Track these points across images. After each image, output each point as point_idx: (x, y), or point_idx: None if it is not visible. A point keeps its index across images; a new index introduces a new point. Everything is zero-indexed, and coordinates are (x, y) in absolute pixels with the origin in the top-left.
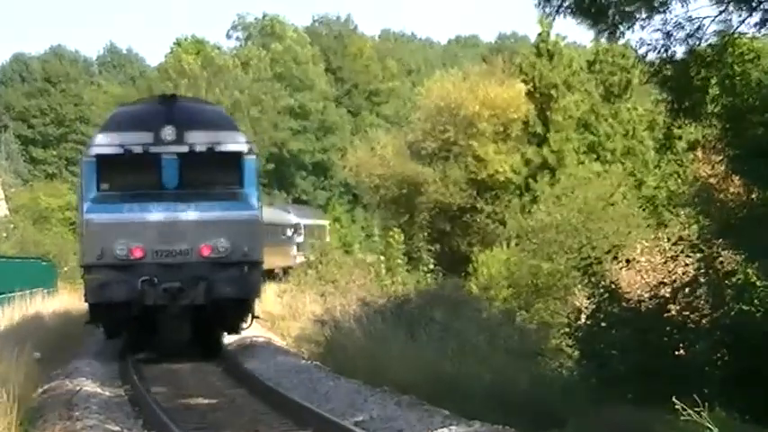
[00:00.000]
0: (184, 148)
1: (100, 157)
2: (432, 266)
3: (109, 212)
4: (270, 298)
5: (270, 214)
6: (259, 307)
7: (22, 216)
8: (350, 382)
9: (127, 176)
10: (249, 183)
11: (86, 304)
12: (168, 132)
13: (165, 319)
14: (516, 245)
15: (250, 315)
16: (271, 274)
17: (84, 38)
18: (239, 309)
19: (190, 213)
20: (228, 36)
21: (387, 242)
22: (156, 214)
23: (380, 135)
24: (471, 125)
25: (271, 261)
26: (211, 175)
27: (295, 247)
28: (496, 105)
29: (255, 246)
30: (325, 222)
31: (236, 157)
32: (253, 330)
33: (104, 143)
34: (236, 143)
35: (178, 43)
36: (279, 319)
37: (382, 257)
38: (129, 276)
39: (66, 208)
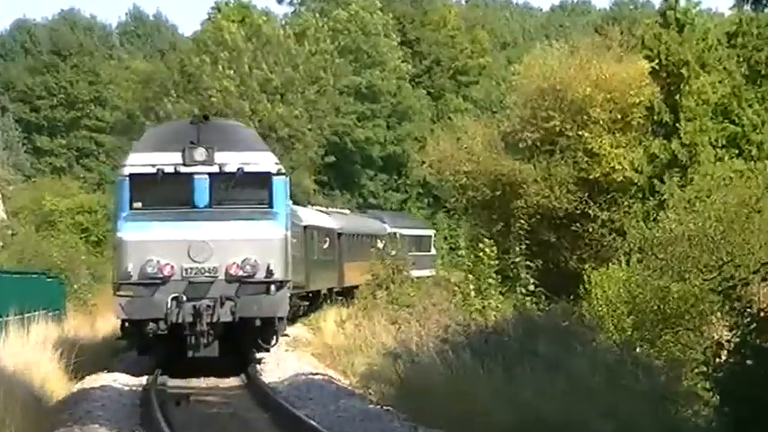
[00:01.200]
0: (215, 169)
1: (133, 176)
2: (532, 287)
3: (140, 230)
4: (329, 326)
5: (357, 223)
6: (292, 327)
7: (23, 220)
8: None
9: (158, 195)
10: (278, 203)
11: (117, 320)
12: (199, 153)
13: (193, 336)
14: (639, 261)
15: (276, 333)
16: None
17: (102, 1)
18: (265, 327)
19: (219, 232)
20: (280, 1)
21: (476, 256)
22: (186, 233)
23: (468, 123)
24: (581, 111)
25: (354, 277)
26: (241, 194)
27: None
28: (613, 87)
29: (282, 265)
30: (431, 232)
31: (266, 177)
32: (307, 365)
33: (137, 163)
34: (265, 164)
35: (218, 8)
36: (340, 351)
37: (470, 276)
38: (159, 294)
39: (78, 211)
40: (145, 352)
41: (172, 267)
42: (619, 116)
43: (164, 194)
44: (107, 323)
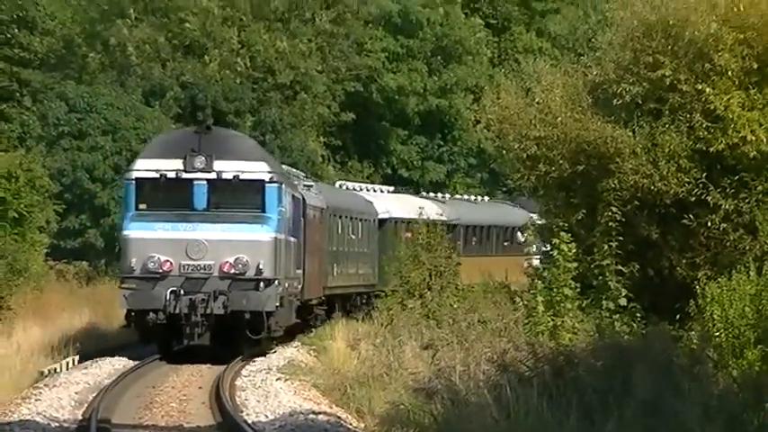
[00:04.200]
0: (213, 175)
1: (138, 180)
2: (624, 301)
3: (144, 230)
4: (337, 347)
5: (487, 211)
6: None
7: None
8: None
9: (161, 198)
10: (270, 208)
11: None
12: (199, 160)
13: (188, 326)
14: None
15: (266, 326)
16: None
17: None
18: (254, 320)
19: (215, 233)
20: None
21: (548, 256)
22: (185, 233)
23: (543, 69)
24: (703, 57)
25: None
26: (236, 199)
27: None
28: (749, 24)
29: (271, 264)
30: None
31: (259, 184)
32: (307, 401)
33: (143, 168)
34: (259, 172)
35: None
36: (353, 383)
37: (539, 282)
38: (159, 287)
39: (16, 193)
40: (146, 339)
41: (171, 264)
42: (755, 65)
43: (166, 198)
44: (31, 334)
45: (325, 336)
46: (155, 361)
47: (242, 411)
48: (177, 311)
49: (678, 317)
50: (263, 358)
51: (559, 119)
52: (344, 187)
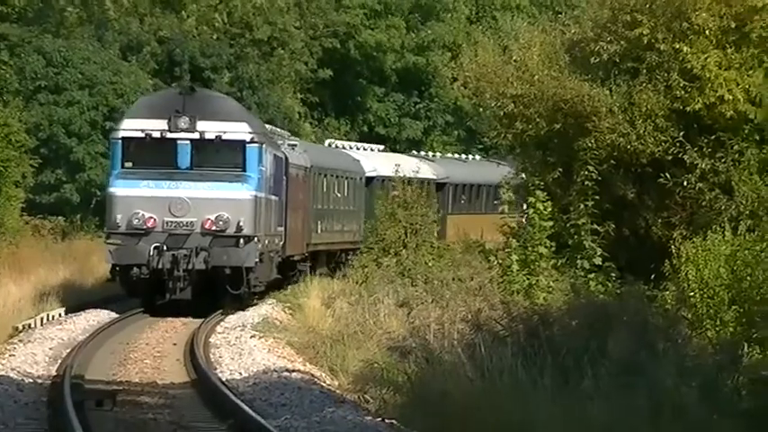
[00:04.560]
0: (196, 135)
1: (125, 139)
2: (599, 261)
3: (129, 187)
4: (312, 305)
5: (477, 170)
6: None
7: None
8: None
9: (146, 157)
10: (251, 167)
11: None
12: (183, 121)
13: (171, 281)
14: (750, 230)
15: (245, 281)
16: None
17: None
18: (235, 275)
19: (197, 191)
20: None
21: (524, 215)
22: (169, 191)
23: (520, 26)
24: (680, 16)
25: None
26: (218, 159)
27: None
28: None
29: (251, 222)
30: None
31: (240, 144)
32: (281, 358)
33: (129, 128)
34: (240, 132)
35: None
36: (327, 341)
37: (514, 241)
38: (143, 243)
39: None
40: (131, 293)
41: (155, 220)
42: (732, 24)
43: (151, 157)
44: (6, 290)
45: (300, 293)
46: (130, 317)
47: (216, 369)
48: (160, 267)
49: (653, 277)
50: (237, 315)
51: (537, 77)
52: (333, 146)
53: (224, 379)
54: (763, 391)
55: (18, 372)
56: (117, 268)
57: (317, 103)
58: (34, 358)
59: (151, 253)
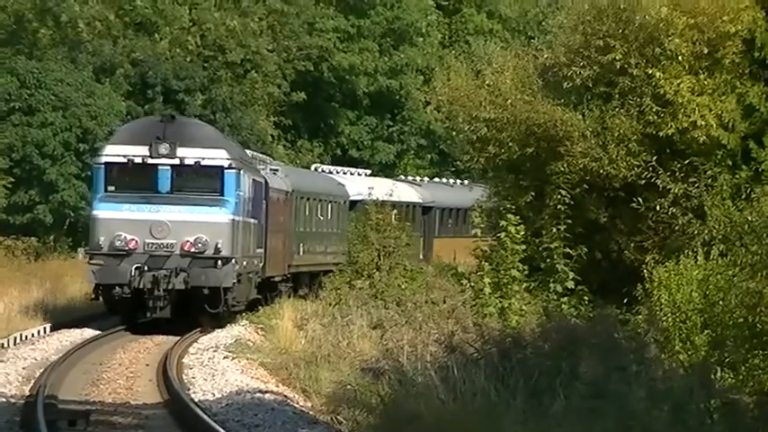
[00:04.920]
0: (176, 161)
1: (107, 164)
2: (572, 284)
3: (111, 210)
4: (284, 326)
5: (462, 194)
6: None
7: None
8: None
9: (128, 182)
10: (228, 192)
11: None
12: (164, 147)
13: (152, 300)
14: (722, 254)
15: (223, 300)
16: None
17: None
18: (213, 294)
19: (177, 214)
20: None
21: (495, 238)
22: (150, 214)
23: (493, 51)
24: (653, 42)
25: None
26: (197, 183)
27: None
28: (699, 9)
29: (229, 244)
30: None
31: (219, 170)
32: (254, 379)
33: (112, 153)
34: (219, 159)
35: None
36: (300, 362)
37: (486, 264)
38: (124, 263)
39: None
40: (113, 311)
41: (136, 242)
42: (705, 50)
43: (132, 181)
44: None
45: (272, 314)
46: (104, 337)
47: (189, 389)
48: (141, 286)
49: (626, 300)
50: (209, 336)
51: (509, 101)
52: (320, 170)
53: (197, 399)
54: (735, 415)
55: None
56: (100, 288)
57: (291, 126)
58: (7, 378)
59: (132, 273)
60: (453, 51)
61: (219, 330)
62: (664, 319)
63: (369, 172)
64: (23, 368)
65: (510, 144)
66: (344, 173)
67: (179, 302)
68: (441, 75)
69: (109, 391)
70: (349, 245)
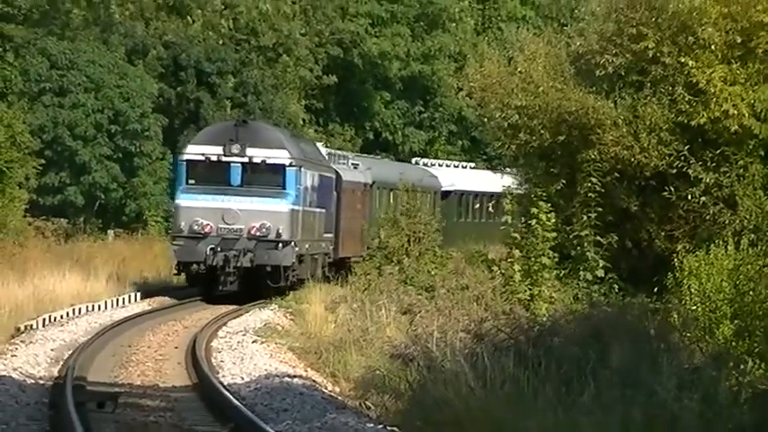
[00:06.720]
0: (245, 159)
1: (189, 161)
2: (602, 272)
3: (191, 200)
4: (315, 311)
5: None
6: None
7: None
8: None
9: (205, 176)
10: (289, 185)
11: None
12: (235, 147)
13: (223, 276)
14: (752, 244)
15: (283, 276)
16: None
17: None
18: (274, 272)
19: (245, 204)
20: None
21: (526, 225)
22: (223, 203)
23: (526, 38)
24: (686, 30)
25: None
26: (263, 179)
27: None
28: None
29: (289, 230)
30: None
31: (281, 167)
32: (283, 363)
33: (192, 152)
34: (281, 158)
35: None
36: (329, 347)
37: (516, 251)
38: (201, 244)
39: None
40: (192, 284)
41: (211, 227)
42: (738, 40)
43: (209, 175)
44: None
45: (302, 299)
46: (132, 319)
47: (217, 372)
48: (214, 264)
49: (656, 289)
50: (238, 320)
51: (541, 88)
52: (416, 163)
53: (225, 383)
54: (765, 406)
55: (20, 372)
56: (180, 264)
57: (322, 109)
58: (36, 359)
59: (207, 253)
60: (486, 38)
61: (248, 314)
62: (693, 308)
63: (466, 164)
64: (52, 349)
65: (541, 131)
66: (440, 165)
67: (245, 278)
68: (473, 61)
69: (137, 373)
70: (379, 230)
